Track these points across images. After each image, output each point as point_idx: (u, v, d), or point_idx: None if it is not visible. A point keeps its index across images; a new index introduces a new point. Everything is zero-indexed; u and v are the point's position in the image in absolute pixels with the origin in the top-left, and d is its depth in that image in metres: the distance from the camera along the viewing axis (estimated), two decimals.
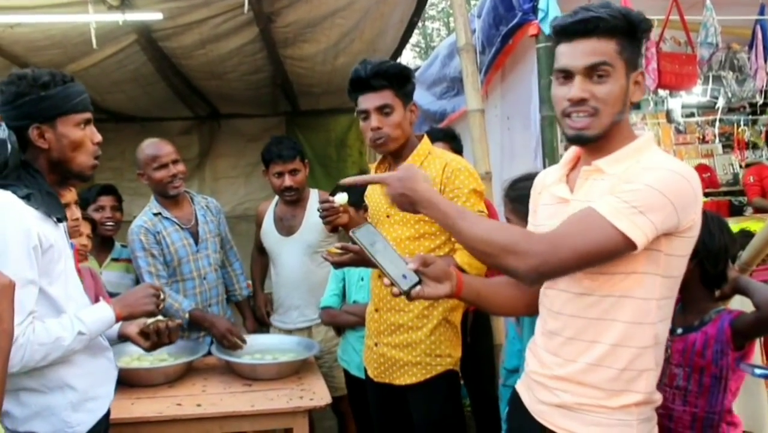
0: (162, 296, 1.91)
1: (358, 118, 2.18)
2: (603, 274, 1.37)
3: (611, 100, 1.37)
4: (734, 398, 1.79)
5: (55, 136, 1.69)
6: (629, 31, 1.38)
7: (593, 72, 1.37)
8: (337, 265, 2.21)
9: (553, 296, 1.48)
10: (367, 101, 2.12)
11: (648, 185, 1.29)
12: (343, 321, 2.76)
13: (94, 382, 1.76)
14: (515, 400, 1.64)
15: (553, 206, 1.51)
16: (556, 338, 1.48)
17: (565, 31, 1.40)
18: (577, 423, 1.42)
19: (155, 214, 2.81)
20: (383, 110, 2.10)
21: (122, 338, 2.01)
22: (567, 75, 1.40)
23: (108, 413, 1.85)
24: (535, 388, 1.53)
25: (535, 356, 1.56)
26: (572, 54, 1.39)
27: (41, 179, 1.68)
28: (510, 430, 1.66)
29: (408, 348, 2.17)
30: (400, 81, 2.12)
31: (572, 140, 1.44)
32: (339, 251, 2.15)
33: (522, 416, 1.57)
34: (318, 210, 2.41)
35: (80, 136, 1.71)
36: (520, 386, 1.63)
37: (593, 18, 1.35)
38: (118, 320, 1.78)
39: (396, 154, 2.19)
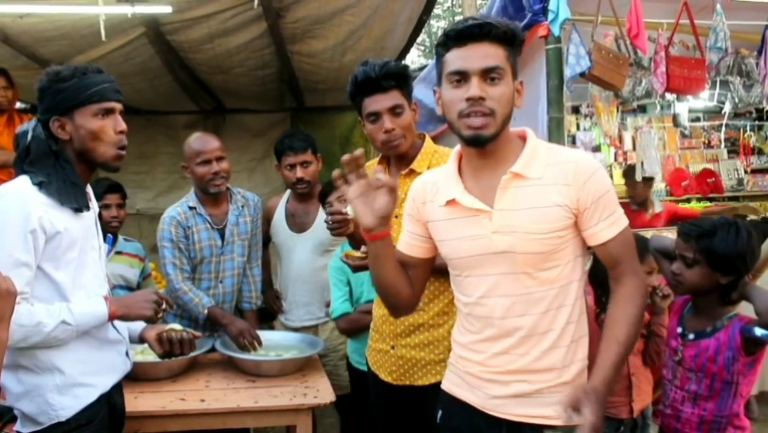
0: (164, 305, 1.91)
1: (365, 121, 2.10)
2: (545, 270, 1.47)
3: (504, 101, 1.44)
4: (744, 402, 1.81)
5: (74, 128, 1.76)
6: (512, 41, 1.46)
7: (488, 74, 1.42)
8: (357, 269, 2.16)
9: (492, 304, 1.51)
10: (377, 103, 2.05)
11: (609, 190, 1.47)
12: (365, 323, 2.59)
13: (86, 370, 1.78)
14: (448, 402, 1.65)
15: (467, 219, 1.51)
16: (504, 340, 1.51)
17: (460, 36, 1.44)
18: (538, 408, 1.48)
19: (190, 208, 2.78)
20: (395, 111, 2.04)
21: (142, 340, 2.04)
22: (462, 78, 1.43)
23: (108, 404, 1.86)
24: (482, 385, 1.55)
25: (474, 361, 1.57)
26: (467, 57, 1.43)
27: (69, 169, 1.75)
28: (452, 430, 1.64)
29: (429, 347, 2.12)
30: (405, 80, 2.08)
31: (470, 141, 1.46)
32: (361, 254, 2.08)
33: (462, 414, 1.60)
34: (326, 222, 2.31)
35: (98, 126, 1.75)
36: (454, 388, 1.64)
37: (486, 24, 1.43)
38: (111, 318, 1.80)
39: (402, 155, 2.13)
